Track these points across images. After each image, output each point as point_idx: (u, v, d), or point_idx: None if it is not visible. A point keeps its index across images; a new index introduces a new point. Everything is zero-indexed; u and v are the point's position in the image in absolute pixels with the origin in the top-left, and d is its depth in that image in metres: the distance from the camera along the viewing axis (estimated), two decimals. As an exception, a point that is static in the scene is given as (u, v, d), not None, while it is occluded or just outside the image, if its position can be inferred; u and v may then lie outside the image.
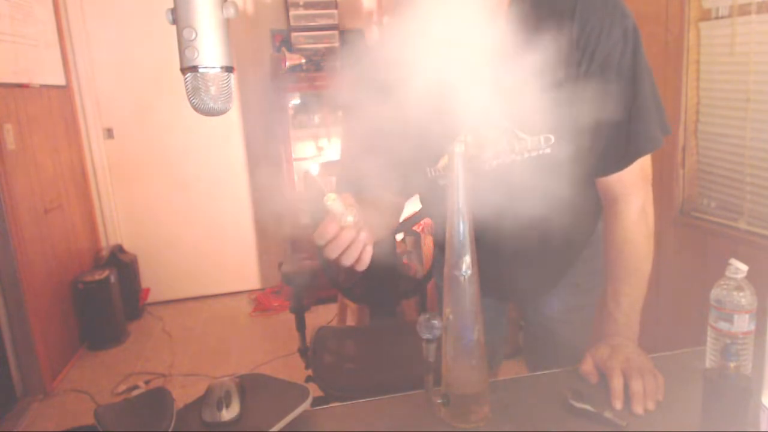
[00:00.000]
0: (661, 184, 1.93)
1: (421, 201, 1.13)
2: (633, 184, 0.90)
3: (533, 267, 1.03)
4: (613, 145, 0.86)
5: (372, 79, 0.85)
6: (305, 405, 0.80)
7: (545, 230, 0.91)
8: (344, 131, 1.05)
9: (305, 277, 1.75)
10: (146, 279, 3.43)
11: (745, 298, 0.75)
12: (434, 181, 0.93)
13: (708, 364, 0.81)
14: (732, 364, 0.69)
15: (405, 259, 2.50)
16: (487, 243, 0.80)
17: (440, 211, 0.74)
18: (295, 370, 2.10)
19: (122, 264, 3.18)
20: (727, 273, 0.77)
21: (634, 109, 0.84)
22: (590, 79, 0.82)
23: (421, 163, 0.93)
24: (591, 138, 0.85)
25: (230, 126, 3.42)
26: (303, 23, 3.28)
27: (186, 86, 0.60)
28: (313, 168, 3.31)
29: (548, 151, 0.86)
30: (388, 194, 0.98)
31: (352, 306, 2.41)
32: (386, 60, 0.80)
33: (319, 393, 1.52)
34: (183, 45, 0.59)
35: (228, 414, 0.77)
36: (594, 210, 1.03)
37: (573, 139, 0.85)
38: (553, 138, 0.85)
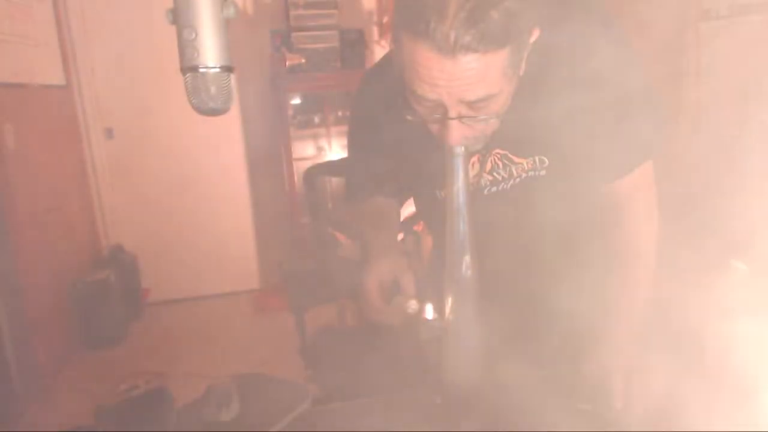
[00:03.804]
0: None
1: (425, 218, 1.13)
2: (636, 188, 0.90)
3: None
4: (610, 156, 0.86)
5: (378, 101, 0.86)
6: (305, 405, 0.80)
7: (547, 253, 0.91)
8: (352, 143, 1.05)
9: (305, 277, 1.75)
10: (146, 279, 3.43)
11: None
12: (441, 202, 0.92)
13: None
14: None
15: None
16: (489, 272, 0.79)
17: (442, 221, 0.75)
18: (295, 370, 2.09)
19: (122, 264, 3.17)
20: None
21: (630, 118, 0.83)
22: (579, 97, 0.80)
23: (429, 186, 0.94)
24: (586, 154, 0.85)
25: (230, 126, 3.42)
26: (303, 23, 3.28)
27: (186, 86, 0.60)
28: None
29: (543, 173, 0.87)
30: (395, 201, 1.00)
31: (352, 306, 2.41)
32: (389, 84, 0.80)
33: (319, 393, 1.52)
34: (183, 45, 0.59)
35: (228, 414, 0.77)
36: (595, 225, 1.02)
37: (568, 158, 0.85)
38: (547, 160, 0.86)
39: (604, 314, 0.92)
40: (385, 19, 3.41)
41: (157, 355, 2.86)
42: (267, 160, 3.57)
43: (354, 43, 3.33)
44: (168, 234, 3.47)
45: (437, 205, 0.92)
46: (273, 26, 3.36)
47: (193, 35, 0.58)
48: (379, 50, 3.50)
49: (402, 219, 1.13)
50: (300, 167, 3.33)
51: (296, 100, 3.47)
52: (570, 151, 0.84)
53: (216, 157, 3.47)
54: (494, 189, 0.90)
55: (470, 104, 0.68)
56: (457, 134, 0.70)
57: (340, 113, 3.44)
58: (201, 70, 0.59)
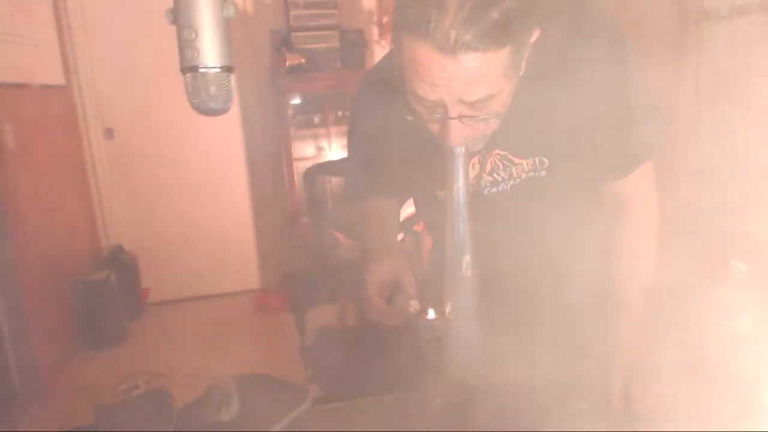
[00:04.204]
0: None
1: (424, 218, 1.13)
2: (637, 188, 0.90)
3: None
4: (611, 156, 0.86)
5: (378, 102, 0.86)
6: (305, 405, 0.80)
7: (548, 254, 0.91)
8: (351, 144, 1.05)
9: (305, 277, 1.75)
10: (146, 279, 3.43)
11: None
12: (441, 202, 0.92)
13: None
14: None
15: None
16: (489, 272, 0.79)
17: (442, 221, 0.75)
18: (295, 370, 2.09)
19: (122, 264, 3.17)
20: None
21: (630, 119, 0.83)
22: (579, 97, 0.80)
23: (429, 186, 0.94)
24: (586, 155, 0.85)
25: (230, 126, 3.42)
26: (303, 23, 3.27)
27: (186, 86, 0.60)
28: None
29: (543, 174, 0.87)
30: (395, 201, 1.00)
31: (352, 306, 2.41)
32: (389, 84, 0.79)
33: (319, 393, 1.52)
34: (183, 45, 0.59)
35: (228, 414, 0.78)
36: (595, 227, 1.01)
37: (568, 159, 0.85)
38: (547, 161, 0.86)
39: (605, 314, 0.92)
40: (385, 19, 3.41)
41: (157, 355, 2.86)
42: (267, 160, 3.57)
43: (354, 43, 3.33)
44: (168, 234, 3.47)
45: (437, 206, 0.92)
46: (273, 26, 3.35)
47: (193, 35, 0.58)
48: (379, 50, 3.50)
49: (402, 219, 1.13)
50: (300, 167, 3.33)
51: (296, 100, 3.47)
52: (570, 152, 0.84)
53: (216, 157, 3.47)
54: (494, 190, 0.90)
55: (470, 104, 0.68)
56: (458, 134, 0.70)
57: (340, 113, 3.44)
58: (201, 70, 0.59)
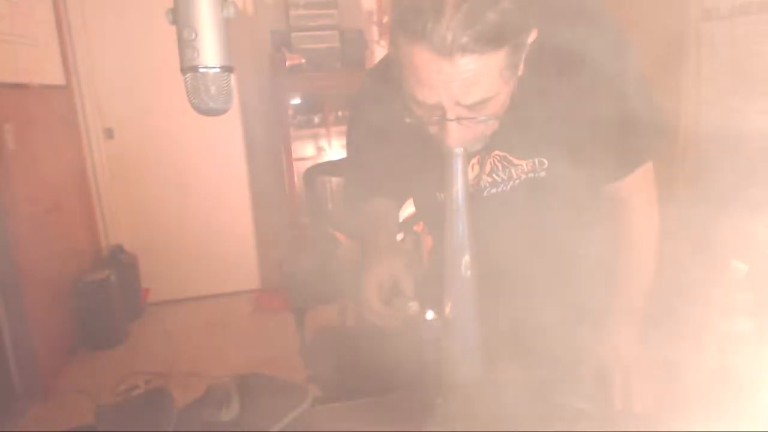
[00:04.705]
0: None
1: (424, 219, 1.13)
2: (637, 188, 0.90)
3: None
4: (611, 157, 0.86)
5: (377, 103, 0.87)
6: (305, 405, 0.80)
7: (547, 254, 0.91)
8: (351, 145, 1.05)
9: (305, 277, 1.75)
10: (146, 279, 3.43)
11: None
12: (441, 203, 0.92)
13: None
14: None
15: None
16: (488, 273, 0.79)
17: (442, 222, 0.75)
18: (295, 370, 2.09)
19: (122, 264, 3.17)
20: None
21: (629, 120, 0.83)
22: (579, 98, 0.80)
23: (428, 187, 0.94)
24: (586, 156, 0.84)
25: (230, 126, 3.42)
26: (303, 23, 3.27)
27: (186, 86, 0.60)
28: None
29: (543, 174, 0.87)
30: (394, 202, 1.00)
31: (352, 306, 2.41)
32: (389, 85, 0.79)
33: (319, 393, 1.52)
34: (183, 45, 0.59)
35: (228, 414, 0.78)
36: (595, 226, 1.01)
37: (567, 160, 0.85)
38: (546, 162, 0.86)
39: (605, 314, 0.92)
40: (385, 19, 3.41)
41: (157, 355, 2.86)
42: (267, 160, 3.57)
43: (354, 43, 3.33)
44: (168, 234, 3.47)
45: (437, 207, 0.92)
46: (273, 26, 3.35)
47: (193, 35, 0.58)
48: (379, 50, 3.50)
49: (402, 219, 1.13)
50: (300, 167, 3.33)
51: (296, 100, 3.47)
52: (570, 153, 0.84)
53: (216, 157, 3.47)
54: (494, 191, 0.90)
55: (468, 107, 0.68)
56: (456, 136, 0.70)
57: (340, 113, 3.44)
58: (201, 70, 0.59)
